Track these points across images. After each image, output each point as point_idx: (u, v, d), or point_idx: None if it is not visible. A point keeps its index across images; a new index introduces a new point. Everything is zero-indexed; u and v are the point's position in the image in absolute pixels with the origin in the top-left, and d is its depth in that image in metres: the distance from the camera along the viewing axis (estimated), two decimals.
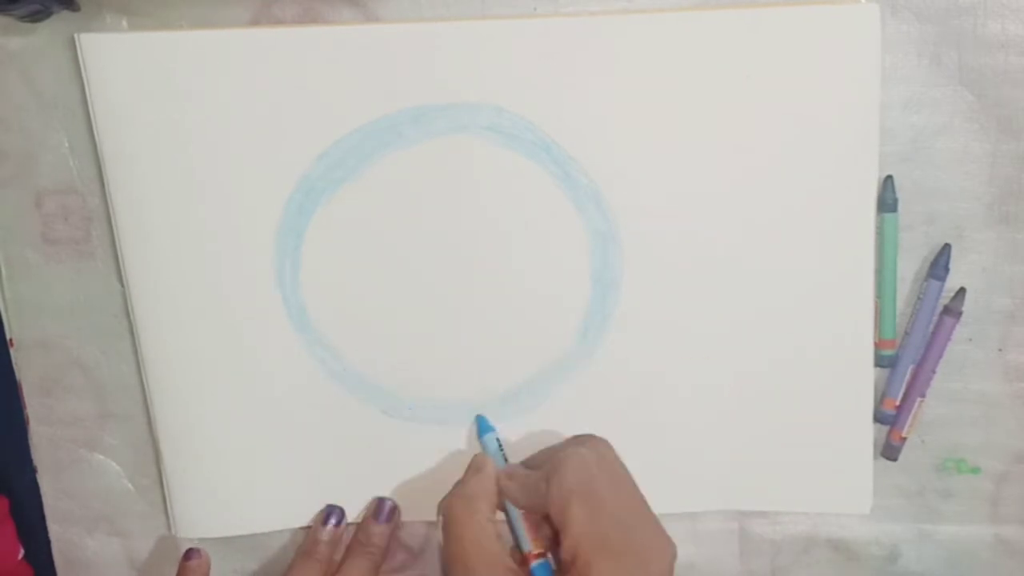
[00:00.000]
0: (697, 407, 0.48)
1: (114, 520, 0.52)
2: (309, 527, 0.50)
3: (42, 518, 0.52)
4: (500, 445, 0.48)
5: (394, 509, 0.50)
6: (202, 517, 0.50)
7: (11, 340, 0.50)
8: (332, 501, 0.50)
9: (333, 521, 0.50)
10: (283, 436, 0.49)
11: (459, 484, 0.46)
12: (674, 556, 0.42)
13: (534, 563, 0.45)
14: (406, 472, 0.50)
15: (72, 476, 0.51)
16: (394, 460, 0.49)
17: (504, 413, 0.48)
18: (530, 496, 0.44)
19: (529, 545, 0.45)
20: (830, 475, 0.48)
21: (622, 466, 0.45)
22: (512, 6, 0.45)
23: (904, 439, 0.48)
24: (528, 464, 0.47)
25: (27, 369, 0.50)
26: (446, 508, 0.45)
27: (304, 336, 0.48)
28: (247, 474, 0.50)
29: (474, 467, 0.46)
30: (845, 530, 0.50)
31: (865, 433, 0.48)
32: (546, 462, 0.44)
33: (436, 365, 0.48)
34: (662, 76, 0.45)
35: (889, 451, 0.48)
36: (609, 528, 0.41)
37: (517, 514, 0.46)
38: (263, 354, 0.48)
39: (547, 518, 0.44)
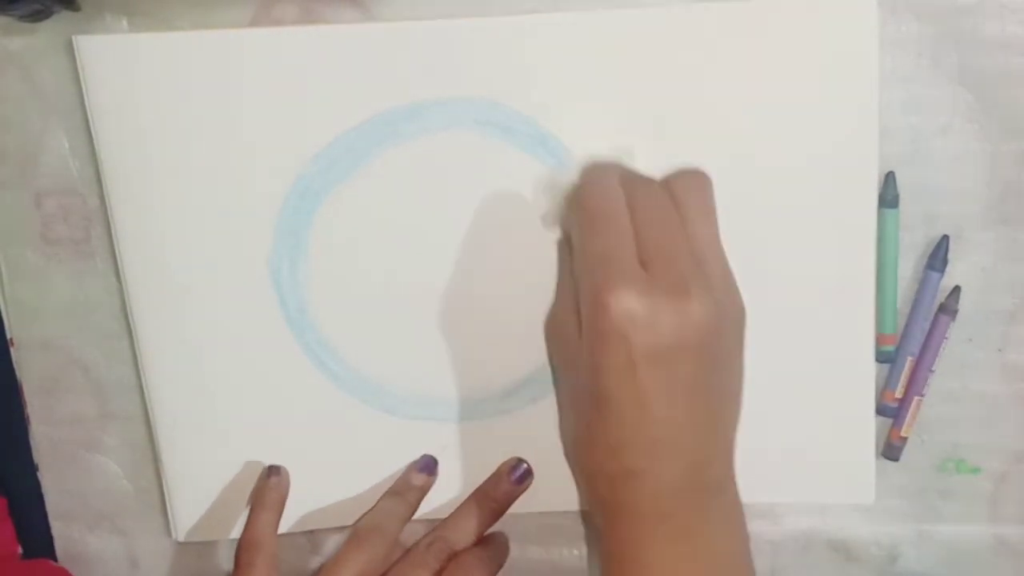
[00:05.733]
0: None
1: (114, 520, 0.52)
2: (311, 531, 0.50)
3: (42, 517, 0.52)
4: None
5: (528, 473, 0.49)
6: (202, 519, 0.50)
7: (11, 340, 0.50)
8: (332, 501, 0.50)
9: (427, 472, 0.49)
10: (283, 437, 0.49)
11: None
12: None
13: None
14: None
15: (72, 477, 0.51)
16: (395, 459, 0.49)
17: (504, 409, 0.48)
18: None
19: None
20: (833, 467, 0.48)
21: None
22: (510, 2, 0.44)
23: (904, 439, 0.48)
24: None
25: (27, 369, 0.50)
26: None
27: (303, 336, 0.48)
28: (247, 476, 0.50)
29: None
30: (845, 530, 0.50)
31: (867, 424, 0.48)
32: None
33: (436, 363, 0.48)
34: (659, 71, 0.44)
35: (890, 451, 0.48)
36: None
37: None
38: (262, 354, 0.48)
39: None
